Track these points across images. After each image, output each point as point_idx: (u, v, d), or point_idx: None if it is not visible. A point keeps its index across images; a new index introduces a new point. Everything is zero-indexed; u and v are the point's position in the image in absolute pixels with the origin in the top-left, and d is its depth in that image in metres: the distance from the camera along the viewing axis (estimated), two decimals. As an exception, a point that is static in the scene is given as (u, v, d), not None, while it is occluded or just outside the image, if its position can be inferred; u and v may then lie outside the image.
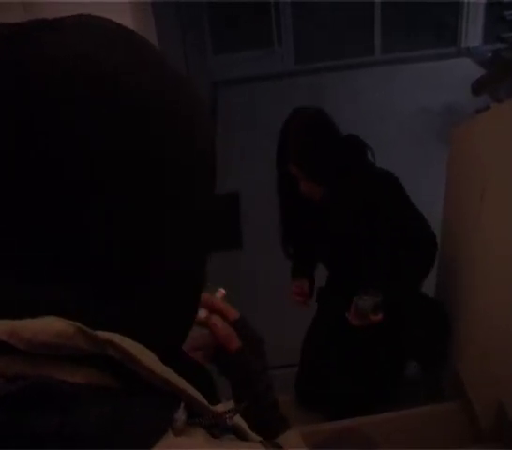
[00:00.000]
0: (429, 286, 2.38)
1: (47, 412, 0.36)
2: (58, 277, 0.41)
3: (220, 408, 0.48)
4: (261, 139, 5.24)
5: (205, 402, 0.45)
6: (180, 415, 0.41)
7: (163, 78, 0.45)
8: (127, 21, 1.72)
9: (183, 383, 0.43)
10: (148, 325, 0.45)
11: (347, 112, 4.44)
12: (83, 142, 0.39)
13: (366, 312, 1.95)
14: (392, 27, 6.84)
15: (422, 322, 2.18)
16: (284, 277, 2.31)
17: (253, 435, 0.53)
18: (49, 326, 0.38)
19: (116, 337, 0.40)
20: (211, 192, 0.51)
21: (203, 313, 0.71)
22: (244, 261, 3.74)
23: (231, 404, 0.48)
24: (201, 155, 0.47)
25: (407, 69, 6.40)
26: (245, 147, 5.10)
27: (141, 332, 0.43)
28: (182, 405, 0.42)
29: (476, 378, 2.10)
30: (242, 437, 0.51)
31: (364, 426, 2.03)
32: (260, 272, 3.53)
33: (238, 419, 0.52)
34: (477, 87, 4.26)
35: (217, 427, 0.46)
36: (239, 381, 0.73)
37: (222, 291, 0.76)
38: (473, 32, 6.72)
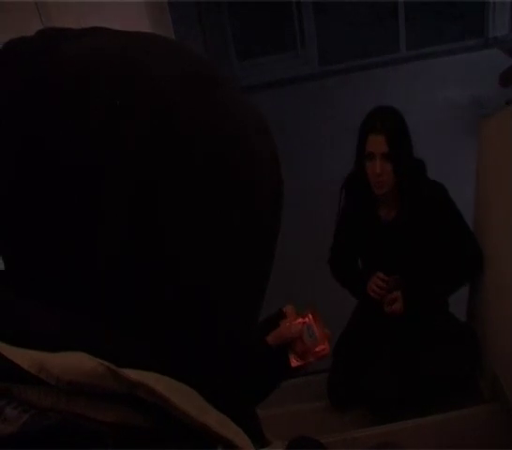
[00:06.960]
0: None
1: None
2: (88, 308, 0.40)
3: None
4: (291, 142, 5.25)
5: (249, 446, 0.43)
6: None
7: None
8: (145, 28, 1.73)
9: (224, 426, 0.41)
10: (184, 362, 0.43)
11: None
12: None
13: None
14: (416, 22, 6.74)
15: (450, 348, 2.18)
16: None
17: None
18: (78, 364, 0.37)
19: (151, 379, 0.38)
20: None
21: None
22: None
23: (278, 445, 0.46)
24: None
25: (434, 65, 6.30)
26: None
27: (176, 369, 0.40)
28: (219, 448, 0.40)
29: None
30: None
31: (401, 431, 2.00)
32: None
33: None
34: (505, 78, 4.14)
35: None
36: None
37: None
38: (500, 21, 6.58)
